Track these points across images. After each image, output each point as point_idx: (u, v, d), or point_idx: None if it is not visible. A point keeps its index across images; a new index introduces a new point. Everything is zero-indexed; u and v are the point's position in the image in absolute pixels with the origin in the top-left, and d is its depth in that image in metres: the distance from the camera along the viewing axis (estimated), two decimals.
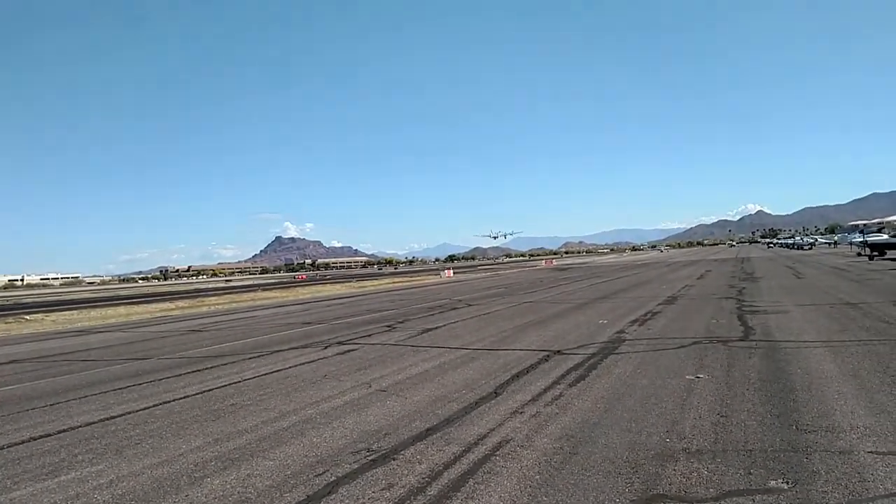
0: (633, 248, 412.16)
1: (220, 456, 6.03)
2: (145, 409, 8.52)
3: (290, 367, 11.20)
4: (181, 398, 9.08)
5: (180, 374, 11.30)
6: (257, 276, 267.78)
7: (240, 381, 10.09)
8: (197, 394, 9.32)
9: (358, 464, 5.50)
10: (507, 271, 77.42)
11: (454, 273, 76.17)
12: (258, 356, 12.99)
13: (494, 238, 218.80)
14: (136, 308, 37.40)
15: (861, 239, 49.46)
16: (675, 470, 4.89)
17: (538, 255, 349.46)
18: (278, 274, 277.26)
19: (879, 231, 56.16)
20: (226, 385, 9.87)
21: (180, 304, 39.97)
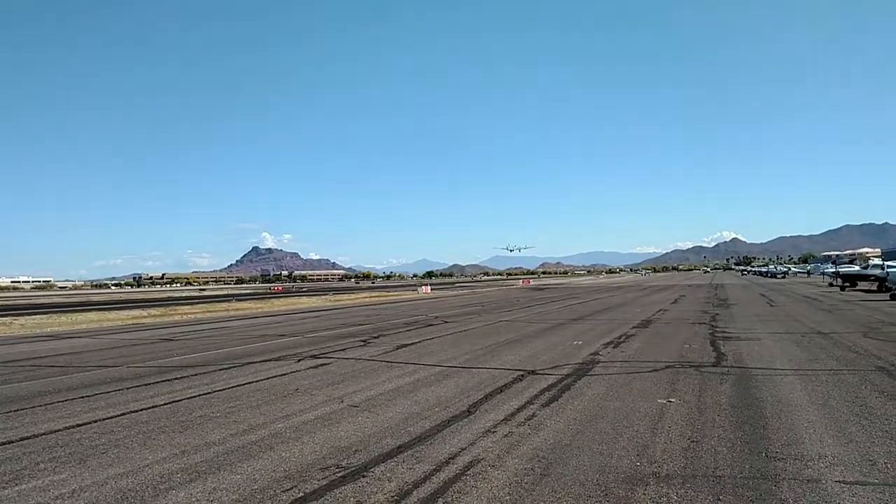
0: (609, 271, 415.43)
1: (186, 468, 5.93)
2: (112, 417, 8.36)
3: (261, 380, 11.08)
4: (149, 408, 8.93)
5: (149, 384, 11.12)
6: (232, 285, 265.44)
7: (210, 393, 9.96)
8: (165, 404, 9.18)
9: (326, 480, 5.44)
10: (485, 289, 77.53)
11: (432, 289, 76.08)
12: (230, 367, 12.83)
13: (511, 251, 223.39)
14: (107, 314, 36.77)
15: (833, 269, 50.37)
16: (644, 494, 4.90)
17: (515, 275, 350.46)
18: (254, 284, 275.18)
19: (851, 262, 57.24)
20: (195, 396, 9.73)
21: (153, 311, 39.42)
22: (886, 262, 41.51)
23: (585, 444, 6.32)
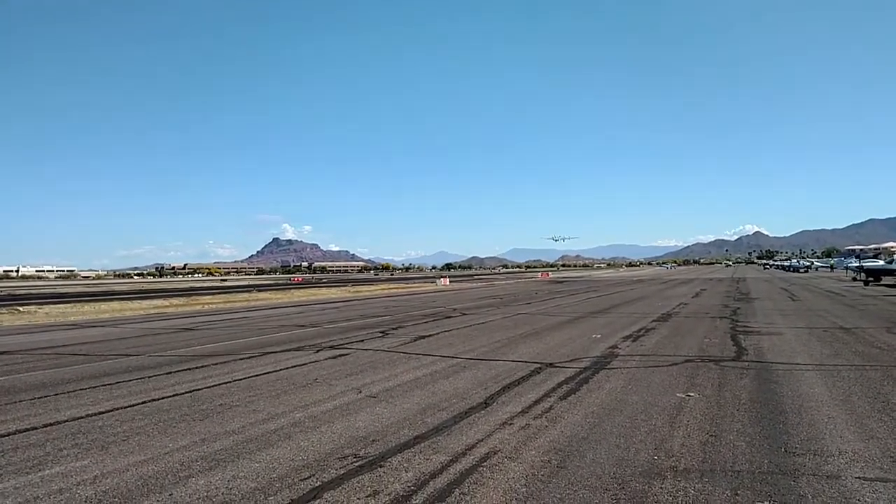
0: (630, 264, 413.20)
1: (206, 456, 6.00)
2: (133, 405, 8.48)
3: (281, 370, 11.17)
4: (170, 396, 9.04)
5: (171, 372, 11.26)
6: (253, 276, 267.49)
7: (230, 382, 10.06)
8: (186, 392, 9.29)
9: (344, 469, 5.48)
10: (504, 282, 77.40)
11: (450, 282, 76.04)
12: (250, 357, 12.96)
13: (556, 241, 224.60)
14: (130, 304, 37.23)
15: (857, 264, 49.64)
16: (661, 488, 4.88)
17: (535, 268, 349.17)
18: (274, 275, 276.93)
19: (875, 257, 56.39)
20: (215, 385, 9.84)
21: (175, 301, 39.86)
22: None
23: (603, 437, 6.30)
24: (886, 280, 40.52)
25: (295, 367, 11.52)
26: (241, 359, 12.77)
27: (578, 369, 10.43)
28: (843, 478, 5.01)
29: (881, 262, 46.98)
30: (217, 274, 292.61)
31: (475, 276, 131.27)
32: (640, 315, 21.46)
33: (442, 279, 77.82)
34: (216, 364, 12.15)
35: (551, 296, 37.91)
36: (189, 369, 11.59)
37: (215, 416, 7.67)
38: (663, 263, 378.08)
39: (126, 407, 8.39)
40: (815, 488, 4.79)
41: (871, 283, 40.95)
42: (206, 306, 34.85)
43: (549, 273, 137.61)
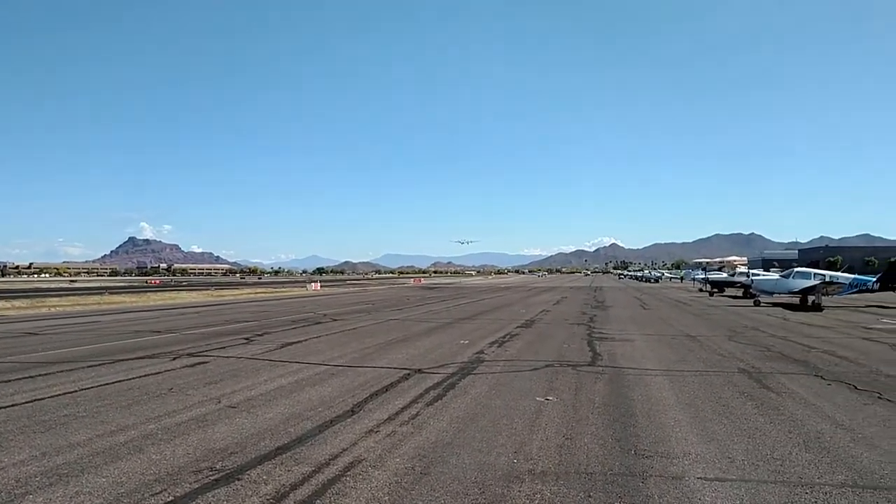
0: (498, 272, 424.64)
1: (46, 471, 5.56)
2: None
3: (133, 378, 10.53)
4: (7, 406, 8.32)
5: (9, 381, 10.34)
6: (106, 277, 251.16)
7: (76, 391, 9.38)
8: (26, 402, 8.57)
9: (199, 483, 5.25)
10: (376, 287, 77.15)
11: (322, 286, 74.82)
12: (99, 364, 12.13)
13: (462, 244, 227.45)
14: None
15: (703, 276, 53.80)
16: (520, 491, 5.05)
17: (407, 273, 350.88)
18: (129, 277, 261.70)
19: (720, 270, 61.49)
20: (60, 394, 9.14)
21: (17, 303, 36.60)
22: (751, 271, 44.72)
23: (466, 442, 6.44)
24: (729, 291, 44.25)
25: (148, 375, 10.90)
26: (89, 366, 11.92)
27: (446, 375, 10.61)
28: (687, 478, 5.40)
29: (725, 275, 51.37)
30: (66, 274, 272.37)
31: (347, 282, 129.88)
32: (506, 321, 22.13)
33: (313, 284, 76.35)
34: (62, 371, 11.29)
35: (423, 302, 38.25)
36: (31, 377, 10.69)
37: (58, 428, 7.13)
38: (533, 271, 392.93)
39: None
40: (661, 489, 5.14)
41: (715, 294, 44.63)
42: (53, 309, 32.31)
43: (422, 279, 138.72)
